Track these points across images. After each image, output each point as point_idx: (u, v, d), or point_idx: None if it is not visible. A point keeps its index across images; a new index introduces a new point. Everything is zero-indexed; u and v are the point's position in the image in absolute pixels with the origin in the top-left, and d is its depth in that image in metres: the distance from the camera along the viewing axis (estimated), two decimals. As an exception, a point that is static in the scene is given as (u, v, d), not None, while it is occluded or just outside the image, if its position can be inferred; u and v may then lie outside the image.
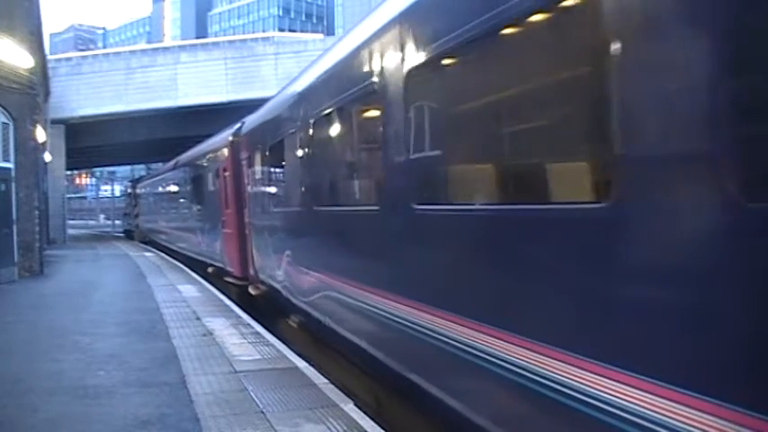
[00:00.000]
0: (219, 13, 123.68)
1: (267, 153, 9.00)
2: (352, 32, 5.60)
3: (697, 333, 2.08)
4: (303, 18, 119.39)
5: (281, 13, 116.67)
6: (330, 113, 5.92)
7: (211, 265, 14.34)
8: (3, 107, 13.76)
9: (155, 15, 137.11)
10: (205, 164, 15.14)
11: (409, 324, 4.09)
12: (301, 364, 6.19)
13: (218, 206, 13.16)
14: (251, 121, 10.73)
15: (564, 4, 2.77)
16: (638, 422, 2.23)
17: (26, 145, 14.52)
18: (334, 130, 6.00)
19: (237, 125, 11.94)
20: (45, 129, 20.49)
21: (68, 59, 52.55)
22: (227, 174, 12.24)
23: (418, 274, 4.14)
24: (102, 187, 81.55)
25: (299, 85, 7.27)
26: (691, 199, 2.14)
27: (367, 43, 4.85)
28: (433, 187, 4.03)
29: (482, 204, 3.52)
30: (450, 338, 3.53)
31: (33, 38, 15.37)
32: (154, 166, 47.45)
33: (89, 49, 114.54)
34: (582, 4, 2.68)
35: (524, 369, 2.86)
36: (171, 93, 30.55)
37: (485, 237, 3.39)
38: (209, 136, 15.91)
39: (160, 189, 25.17)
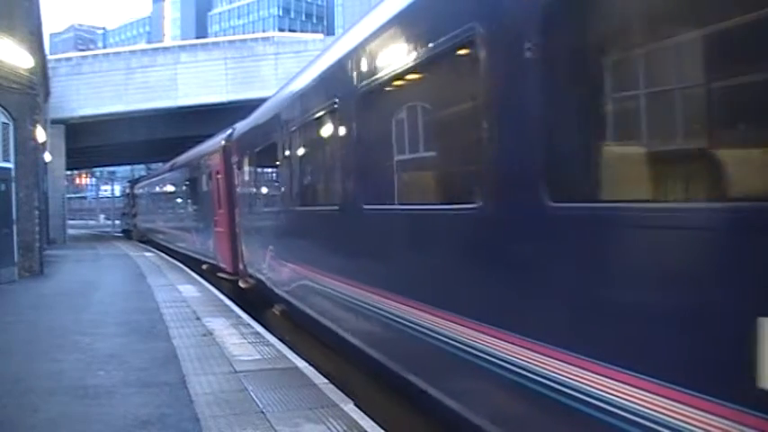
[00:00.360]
0: (219, 13, 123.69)
1: (254, 158, 9.97)
2: (320, 59, 6.56)
3: (528, 300, 2.90)
4: (303, 18, 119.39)
5: (281, 13, 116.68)
6: (303, 126, 6.86)
7: (206, 262, 15.06)
8: (3, 107, 13.76)
9: (155, 15, 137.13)
10: (199, 166, 15.87)
11: (360, 303, 5.00)
12: (301, 364, 6.20)
13: (211, 206, 13.99)
14: (240, 127, 11.62)
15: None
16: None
17: (26, 145, 14.52)
18: (306, 140, 6.94)
19: (229, 131, 12.77)
20: (45, 129, 20.49)
21: (68, 59, 52.54)
22: (219, 176, 13.08)
23: (365, 263, 5.06)
24: (102, 187, 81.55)
25: (280, 100, 8.24)
26: (520, 201, 2.91)
27: (331, 69, 5.86)
28: (375, 191, 4.85)
29: (406, 205, 4.52)
30: (383, 311, 4.53)
31: (33, 38, 15.37)
32: (154, 166, 47.47)
33: (89, 49, 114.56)
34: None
35: (429, 330, 3.81)
36: (171, 93, 30.54)
37: (408, 230, 4.41)
38: (209, 136, 15.94)
39: (157, 190, 26.14)
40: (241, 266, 11.16)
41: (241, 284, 11.13)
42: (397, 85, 4.51)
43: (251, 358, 6.46)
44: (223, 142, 12.88)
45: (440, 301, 3.74)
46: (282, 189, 8.01)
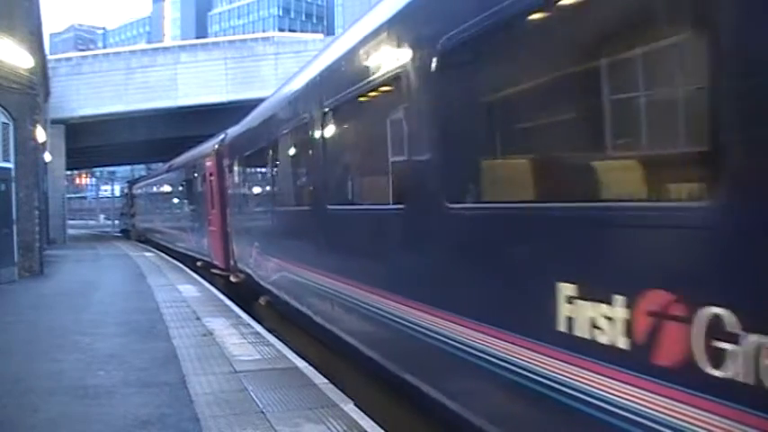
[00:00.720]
0: (219, 13, 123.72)
1: (243, 162, 10.90)
2: (293, 79, 7.60)
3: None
4: (303, 18, 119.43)
5: (281, 13, 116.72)
6: (282, 136, 7.81)
7: (201, 259, 15.86)
8: (3, 107, 13.77)
9: (155, 15, 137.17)
10: (194, 169, 16.65)
11: (325, 288, 5.93)
12: (301, 363, 6.20)
13: (205, 207, 14.81)
14: (232, 132, 12.40)
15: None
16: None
17: (26, 145, 14.52)
18: (284, 149, 7.86)
19: (222, 135, 13.52)
20: (45, 129, 20.49)
21: (68, 59, 52.50)
22: (212, 178, 13.85)
23: (328, 254, 6.03)
24: (102, 187, 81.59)
25: (264, 111, 9.20)
26: (429, 202, 3.81)
27: (303, 89, 6.82)
28: (336, 194, 5.87)
29: (360, 204, 5.49)
30: (341, 294, 5.48)
31: (33, 38, 15.38)
32: (154, 166, 47.51)
33: (89, 49, 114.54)
34: None
35: (368, 305, 4.82)
36: (171, 93, 30.54)
37: (359, 226, 5.29)
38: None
39: (155, 191, 27.05)
40: (232, 262, 11.97)
41: (232, 279, 12.03)
42: (347, 110, 5.54)
43: (251, 358, 6.46)
44: (216, 146, 13.63)
45: (378, 282, 4.69)
46: (266, 191, 9.31)
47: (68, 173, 45.79)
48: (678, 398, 2.10)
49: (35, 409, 4.98)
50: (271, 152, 8.53)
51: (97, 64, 36.47)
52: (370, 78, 4.79)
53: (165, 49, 73.67)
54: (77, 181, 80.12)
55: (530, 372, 2.87)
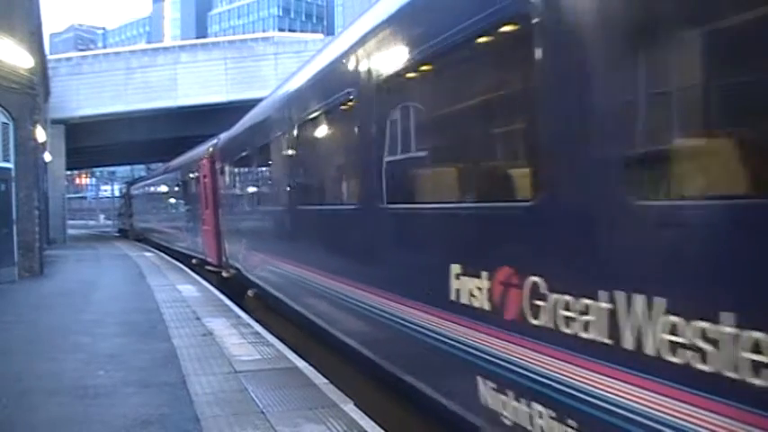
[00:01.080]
0: (219, 13, 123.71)
1: (232, 166, 11.95)
2: (273, 94, 8.98)
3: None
4: (303, 18, 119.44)
5: (281, 13, 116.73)
6: (264, 145, 8.87)
7: (195, 257, 16.68)
8: (3, 107, 13.77)
9: (155, 15, 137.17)
10: (189, 171, 17.46)
11: (299, 278, 6.98)
12: (301, 364, 6.20)
13: (199, 207, 15.66)
14: (224, 137, 13.40)
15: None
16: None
17: (26, 145, 14.52)
18: (265, 155, 8.93)
19: (215, 140, 14.45)
20: (45, 129, 20.50)
21: (68, 59, 52.51)
22: (206, 180, 14.60)
23: (298, 247, 7.25)
24: (103, 187, 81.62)
25: (249, 120, 10.37)
26: (370, 202, 4.81)
27: (280, 106, 7.98)
28: (303, 196, 7.03)
29: (321, 205, 6.47)
30: (311, 282, 6.45)
31: (33, 38, 15.38)
32: (153, 166, 47.56)
33: (89, 49, 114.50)
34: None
35: (328, 288, 5.89)
36: (171, 93, 30.54)
37: (322, 222, 6.47)
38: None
39: (152, 192, 28.03)
40: (224, 259, 12.85)
41: (224, 274, 12.94)
42: (311, 126, 6.62)
43: (251, 358, 6.46)
44: (209, 150, 14.53)
45: (336, 269, 5.77)
46: (251, 193, 10.54)
47: (68, 173, 45.76)
48: (518, 342, 3.03)
49: (35, 408, 4.98)
50: (255, 158, 9.71)
51: (97, 64, 36.49)
52: (329, 101, 5.93)
53: (165, 49, 73.69)
54: (77, 181, 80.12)
55: (433, 332, 3.83)
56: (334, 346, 5.98)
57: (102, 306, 10.34)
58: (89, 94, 29.67)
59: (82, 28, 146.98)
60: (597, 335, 2.52)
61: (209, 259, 14.55)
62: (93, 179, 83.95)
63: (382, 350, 4.84)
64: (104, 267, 17.76)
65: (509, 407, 3.12)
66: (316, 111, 6.31)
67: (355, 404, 4.91)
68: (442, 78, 4.11)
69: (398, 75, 4.35)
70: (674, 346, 2.17)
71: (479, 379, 3.35)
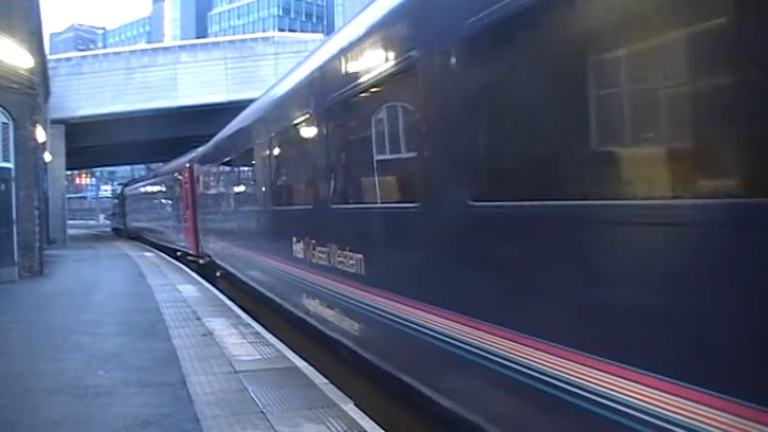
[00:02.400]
0: (219, 13, 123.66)
1: (205, 175, 14.79)
2: (239, 118, 10.90)
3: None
4: (303, 18, 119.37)
5: (281, 13, 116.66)
6: (228, 161, 11.37)
7: (180, 249, 19.58)
8: (3, 107, 13.76)
9: (155, 15, 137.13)
10: (174, 178, 20.69)
11: (256, 263, 9.10)
12: (301, 363, 6.20)
13: (181, 208, 18.52)
14: (200, 151, 16.37)
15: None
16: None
17: (26, 145, 14.52)
18: (230, 169, 11.51)
19: (194, 153, 17.43)
20: (45, 129, 20.49)
21: (68, 59, 52.43)
22: (187, 186, 17.42)
23: (246, 237, 9.78)
24: (102, 187, 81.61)
25: (217, 140, 13.14)
26: (323, 204, 5.85)
27: (252, 122, 9.35)
28: (274, 198, 8.18)
29: (284, 206, 7.76)
30: (268, 266, 8.22)
31: (33, 38, 15.37)
32: (153, 166, 47.60)
33: (89, 49, 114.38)
34: None
35: (280, 270, 7.54)
36: (171, 93, 30.55)
37: (260, 220, 8.68)
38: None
39: (144, 194, 31.13)
40: (200, 250, 15.80)
41: (200, 261, 15.90)
42: (279, 140, 7.90)
43: (251, 358, 6.46)
44: (190, 160, 17.51)
45: (266, 251, 8.27)
46: (218, 197, 13.14)
47: (68, 173, 45.78)
48: (330, 277, 5.48)
49: (35, 408, 4.98)
50: (220, 170, 12.65)
51: (97, 64, 36.48)
52: (259, 139, 8.51)
53: (165, 49, 73.53)
54: (77, 181, 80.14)
55: (294, 276, 6.74)
56: (264, 302, 8.92)
57: (102, 306, 10.34)
58: (89, 94, 29.67)
59: (82, 28, 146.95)
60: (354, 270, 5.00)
61: (190, 251, 17.51)
62: (93, 179, 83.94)
63: (282, 293, 7.81)
64: (104, 267, 17.76)
65: (317, 308, 6.19)
66: (252, 143, 9.06)
67: (355, 404, 4.91)
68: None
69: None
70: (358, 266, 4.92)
71: (305, 295, 6.55)
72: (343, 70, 5.22)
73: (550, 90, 2.92)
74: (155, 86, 30.40)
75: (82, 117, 29.43)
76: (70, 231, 34.46)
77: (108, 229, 51.47)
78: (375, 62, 4.53)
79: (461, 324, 3.38)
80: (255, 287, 9.31)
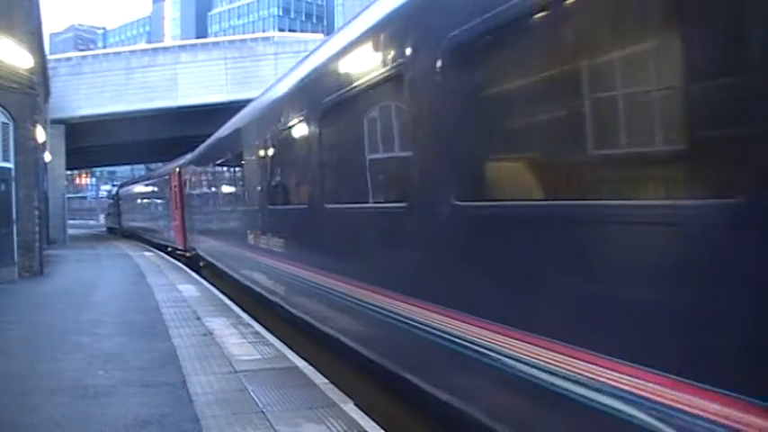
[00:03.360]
0: (219, 13, 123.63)
1: (192, 179, 16.86)
2: (216, 134, 13.16)
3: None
4: (303, 18, 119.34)
5: (281, 13, 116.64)
6: (213, 167, 13.14)
7: (170, 245, 21.74)
8: (3, 107, 13.76)
9: (155, 15, 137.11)
10: (164, 181, 22.98)
11: (229, 252, 11.17)
12: (301, 363, 6.20)
13: (171, 209, 20.80)
14: (186, 158, 18.58)
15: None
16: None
17: (26, 145, 14.52)
18: (212, 175, 13.69)
19: (182, 160, 19.48)
20: (45, 129, 20.49)
21: (68, 59, 52.38)
22: (176, 189, 19.48)
23: (222, 232, 12.03)
24: (102, 187, 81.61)
25: (202, 148, 15.21)
26: (261, 205, 8.51)
27: (224, 137, 11.60)
28: (237, 201, 10.37)
29: (241, 207, 9.90)
30: (242, 256, 9.87)
31: (33, 38, 15.37)
32: (153, 166, 47.62)
33: (89, 49, 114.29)
34: None
35: (253, 260, 9.17)
36: (171, 93, 30.54)
37: (245, 218, 9.68)
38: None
39: (137, 196, 33.67)
40: (188, 245, 18.02)
41: (188, 255, 17.98)
42: (240, 157, 9.85)
43: (251, 358, 6.46)
44: (179, 165, 19.60)
45: (244, 244, 9.50)
46: (201, 199, 15.48)
47: (68, 173, 45.77)
48: (277, 258, 7.60)
49: (35, 408, 4.98)
50: (202, 176, 15.16)
51: (97, 64, 36.44)
52: (235, 149, 10.33)
53: (165, 49, 73.42)
54: (77, 181, 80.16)
55: (251, 259, 9.12)
56: (234, 283, 11.17)
57: (102, 306, 10.34)
58: (89, 94, 29.66)
59: (82, 28, 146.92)
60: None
61: (178, 246, 19.72)
62: (93, 179, 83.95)
63: (241, 272, 10.27)
64: (104, 267, 17.76)
65: (261, 278, 8.59)
66: (225, 156, 11.36)
67: (355, 404, 4.91)
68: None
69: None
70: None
71: (256, 272, 8.82)
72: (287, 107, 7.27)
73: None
74: (155, 86, 30.39)
75: (82, 117, 29.42)
76: (70, 231, 34.46)
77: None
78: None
79: (328, 278, 5.76)
80: (226, 271, 12.00)
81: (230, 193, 11.52)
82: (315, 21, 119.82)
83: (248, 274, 9.55)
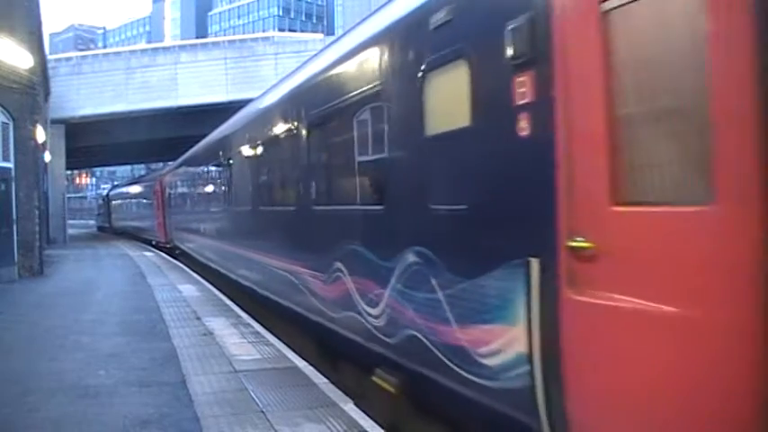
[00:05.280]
0: (219, 13, 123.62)
1: (169, 186, 21.48)
2: (188, 153, 17.75)
3: None
4: (303, 18, 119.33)
5: (281, 13, 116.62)
6: (187, 178, 17.33)
7: (153, 239, 26.09)
8: (3, 107, 13.76)
9: (155, 15, 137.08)
10: (149, 187, 27.86)
11: (195, 240, 15.98)
12: (301, 363, 6.20)
13: (155, 209, 25.54)
14: (166, 170, 24.62)
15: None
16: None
17: (26, 145, 14.51)
18: (185, 183, 18.08)
19: (165, 170, 25.49)
20: (45, 129, 20.48)
21: (68, 59, 52.42)
22: (159, 193, 24.09)
23: (194, 227, 15.89)
24: (102, 187, 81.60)
25: (176, 163, 20.50)
26: (218, 207, 12.64)
27: (192, 157, 16.43)
28: (199, 204, 15.44)
29: (204, 210, 14.46)
30: (198, 240, 15.53)
31: (33, 38, 15.36)
32: (154, 166, 47.66)
33: (89, 49, 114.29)
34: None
35: (207, 247, 14.33)
36: (171, 93, 30.53)
37: (203, 217, 14.39)
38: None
39: (125, 198, 39.03)
40: (168, 238, 22.28)
41: (168, 246, 22.08)
42: (200, 172, 14.79)
43: (251, 358, 6.46)
44: (162, 173, 25.49)
45: (203, 235, 14.25)
46: (177, 201, 19.66)
47: (68, 173, 45.77)
48: (219, 241, 12.35)
49: (35, 408, 4.97)
50: (178, 183, 19.54)
51: (97, 64, 36.44)
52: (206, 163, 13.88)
53: (165, 49, 73.49)
54: (77, 181, 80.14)
55: (206, 244, 14.14)
56: (198, 263, 15.33)
57: (102, 306, 10.34)
58: (89, 94, 29.66)
59: (82, 28, 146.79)
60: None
61: (161, 239, 23.93)
62: (93, 179, 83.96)
63: (201, 253, 14.81)
64: (104, 267, 17.76)
65: (211, 255, 13.43)
66: (192, 170, 15.65)
67: (355, 404, 4.91)
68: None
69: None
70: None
71: (209, 251, 13.65)
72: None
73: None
74: (155, 86, 30.39)
75: (82, 117, 29.41)
76: (70, 231, 34.46)
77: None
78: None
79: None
80: (194, 256, 15.93)
81: (194, 200, 16.50)
82: (315, 21, 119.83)
83: (207, 255, 13.96)
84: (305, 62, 7.24)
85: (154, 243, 26.16)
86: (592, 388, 2.75)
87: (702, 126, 2.39)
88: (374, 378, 4.77)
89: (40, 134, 16.99)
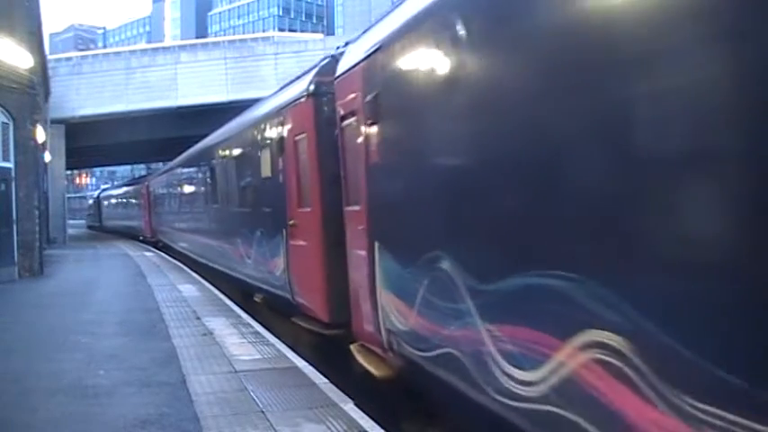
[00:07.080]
0: (219, 13, 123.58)
1: (154, 191, 25.16)
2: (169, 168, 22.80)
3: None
4: (303, 18, 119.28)
5: (281, 13, 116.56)
6: (165, 186, 22.28)
7: (141, 236, 29.23)
8: (3, 107, 13.76)
9: (155, 15, 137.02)
10: (137, 190, 31.27)
11: (172, 233, 20.85)
12: (301, 363, 6.20)
13: (142, 209, 29.05)
14: (153, 175, 27.99)
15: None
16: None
17: (26, 145, 14.51)
18: (166, 189, 22.23)
19: (150, 177, 29.09)
20: (45, 129, 20.49)
21: (68, 59, 52.48)
22: (145, 196, 27.43)
23: (175, 224, 20.23)
24: (102, 187, 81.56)
25: (158, 174, 26.09)
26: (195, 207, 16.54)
27: (171, 168, 21.79)
28: (175, 206, 20.24)
29: (178, 211, 19.47)
30: (174, 233, 20.50)
31: (33, 38, 15.37)
32: (154, 166, 47.67)
33: (89, 49, 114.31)
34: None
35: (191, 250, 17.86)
36: (171, 93, 30.49)
37: (178, 217, 19.30)
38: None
39: (116, 200, 42.52)
40: (152, 233, 26.06)
41: (152, 239, 25.99)
42: (176, 184, 19.69)
43: (251, 358, 6.46)
44: (148, 179, 28.60)
45: (178, 228, 19.34)
46: (161, 202, 23.39)
47: (68, 173, 45.77)
48: (185, 231, 17.65)
49: (35, 408, 4.97)
50: (159, 189, 23.56)
51: (97, 64, 36.47)
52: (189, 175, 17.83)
53: (165, 48, 73.56)
54: (77, 181, 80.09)
55: (182, 236, 18.69)
56: (173, 251, 20.21)
57: (102, 305, 10.34)
58: (89, 94, 29.63)
59: (82, 28, 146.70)
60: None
61: (147, 235, 27.27)
62: (93, 179, 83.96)
63: (174, 241, 20.16)
64: (104, 267, 17.77)
65: (180, 243, 19.05)
66: (170, 180, 20.52)
67: (355, 404, 4.91)
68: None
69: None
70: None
71: (181, 242, 18.79)
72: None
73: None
74: (155, 86, 30.36)
75: (82, 117, 29.38)
76: (70, 231, 34.47)
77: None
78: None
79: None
80: (172, 245, 20.12)
81: (171, 203, 20.74)
82: (315, 21, 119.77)
83: (180, 244, 18.39)
84: (217, 131, 13.15)
85: (141, 239, 29.93)
86: (295, 273, 7.43)
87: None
88: (254, 298, 9.65)
89: (40, 134, 17.00)
